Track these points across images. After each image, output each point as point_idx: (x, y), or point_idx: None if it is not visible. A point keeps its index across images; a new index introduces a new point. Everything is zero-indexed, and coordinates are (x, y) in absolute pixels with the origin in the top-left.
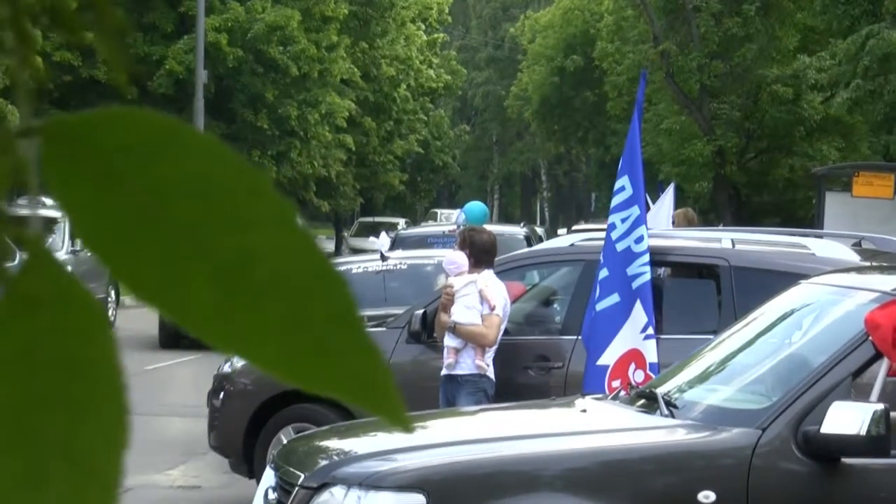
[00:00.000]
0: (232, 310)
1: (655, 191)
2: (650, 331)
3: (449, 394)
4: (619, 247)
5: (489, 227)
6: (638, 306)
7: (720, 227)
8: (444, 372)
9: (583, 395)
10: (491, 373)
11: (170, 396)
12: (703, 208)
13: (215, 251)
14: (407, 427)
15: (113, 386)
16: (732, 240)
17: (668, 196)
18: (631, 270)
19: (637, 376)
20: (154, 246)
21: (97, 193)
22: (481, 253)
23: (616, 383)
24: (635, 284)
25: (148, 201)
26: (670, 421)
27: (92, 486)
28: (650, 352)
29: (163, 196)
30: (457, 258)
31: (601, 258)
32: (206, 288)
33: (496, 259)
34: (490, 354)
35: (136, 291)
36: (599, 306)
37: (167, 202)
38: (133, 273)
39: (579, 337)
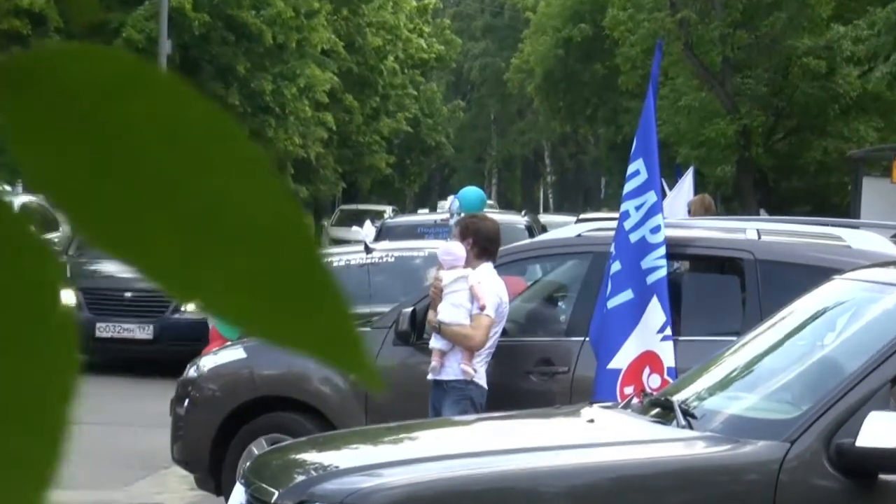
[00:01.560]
0: (196, 258)
1: (672, 175)
2: (668, 331)
3: (436, 401)
4: (633, 237)
5: (490, 215)
6: (654, 303)
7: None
8: (429, 377)
9: (590, 404)
10: (480, 379)
11: (128, 404)
12: (725, 195)
13: (180, 196)
14: (376, 385)
15: (63, 334)
16: (758, 230)
17: (687, 181)
18: (646, 264)
19: (653, 381)
20: (114, 189)
21: (54, 132)
22: (487, 242)
23: (629, 389)
24: (651, 279)
25: (108, 141)
26: (688, 432)
27: (37, 436)
28: (667, 354)
29: (125, 136)
30: (454, 249)
31: (612, 250)
32: (169, 235)
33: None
34: (480, 359)
35: (94, 238)
36: (611, 303)
37: (129, 143)
38: (91, 219)
39: (587, 338)
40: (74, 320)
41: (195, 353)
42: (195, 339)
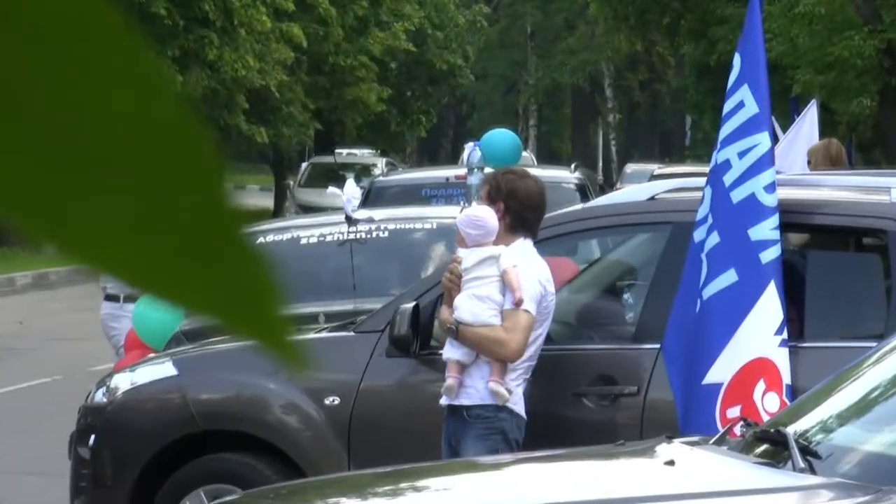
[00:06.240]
0: (64, 190)
1: (788, 113)
2: (785, 334)
3: (451, 436)
4: (737, 196)
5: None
6: (771, 291)
7: None
8: (443, 401)
9: (669, 439)
10: (517, 404)
11: (13, 442)
12: (863, 140)
13: (42, 106)
14: (298, 361)
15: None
16: None
17: (808, 121)
18: (757, 234)
19: (769, 402)
20: None
21: None
22: (528, 210)
23: (733, 412)
24: (766, 257)
25: None
26: (809, 479)
27: None
28: (785, 366)
29: None
30: (483, 216)
31: (707, 215)
32: (26, 157)
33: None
34: (516, 375)
35: None
36: (708, 292)
37: None
38: None
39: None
40: None
41: None
42: None
